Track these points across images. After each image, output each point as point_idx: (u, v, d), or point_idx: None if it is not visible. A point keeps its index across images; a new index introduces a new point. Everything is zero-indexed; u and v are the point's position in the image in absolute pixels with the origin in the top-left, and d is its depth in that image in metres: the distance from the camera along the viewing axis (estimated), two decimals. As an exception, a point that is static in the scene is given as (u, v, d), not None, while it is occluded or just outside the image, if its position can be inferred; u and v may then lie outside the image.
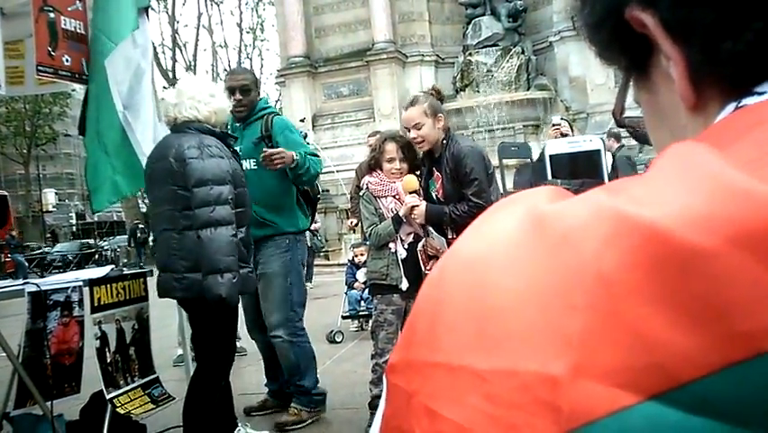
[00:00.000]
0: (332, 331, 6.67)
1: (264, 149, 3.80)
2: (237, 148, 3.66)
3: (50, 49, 3.45)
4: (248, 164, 3.85)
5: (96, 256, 28.90)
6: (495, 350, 0.33)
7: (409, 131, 3.68)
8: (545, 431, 0.31)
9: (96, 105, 3.66)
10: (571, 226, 0.34)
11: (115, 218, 46.83)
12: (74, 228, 48.57)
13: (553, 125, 6.33)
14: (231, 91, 3.88)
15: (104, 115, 3.63)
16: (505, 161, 4.90)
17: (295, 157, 3.79)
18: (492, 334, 0.34)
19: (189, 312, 3.37)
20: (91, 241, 35.89)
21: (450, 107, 19.45)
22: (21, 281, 3.55)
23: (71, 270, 20.28)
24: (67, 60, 3.57)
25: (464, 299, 0.36)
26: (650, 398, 0.30)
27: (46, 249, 31.82)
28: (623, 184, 0.36)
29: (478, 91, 19.99)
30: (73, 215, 50.06)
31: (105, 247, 32.14)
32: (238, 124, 4.04)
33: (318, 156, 4.06)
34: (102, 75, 3.61)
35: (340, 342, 6.49)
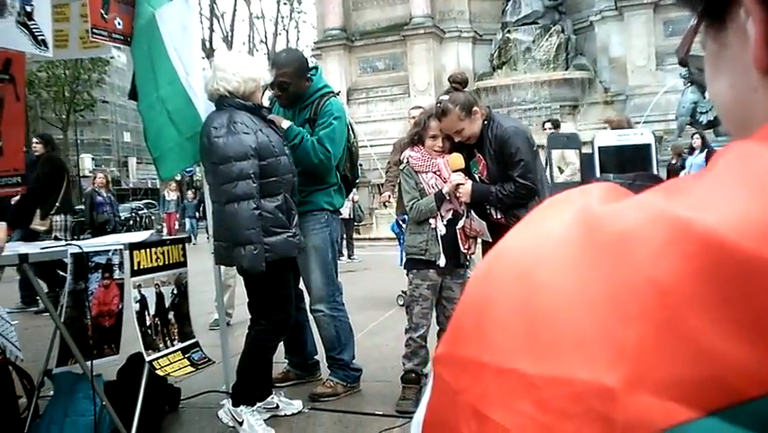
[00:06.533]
0: (399, 295, 6.66)
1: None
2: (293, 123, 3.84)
3: (102, 12, 3.45)
4: None
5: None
6: (545, 355, 0.32)
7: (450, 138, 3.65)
8: None
9: (152, 72, 3.64)
10: (625, 230, 0.33)
11: (150, 185, 47.43)
12: (110, 193, 49.21)
13: None
14: (271, 85, 3.90)
15: (164, 81, 3.62)
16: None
17: (283, 125, 3.71)
18: (542, 337, 0.33)
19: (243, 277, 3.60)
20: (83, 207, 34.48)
21: (486, 85, 19.29)
22: (63, 243, 3.60)
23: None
24: (119, 24, 3.57)
25: (512, 297, 0.35)
26: (710, 414, 0.28)
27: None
28: (681, 185, 0.34)
29: (515, 69, 19.75)
30: (109, 180, 50.71)
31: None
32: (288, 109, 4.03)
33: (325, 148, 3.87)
34: (155, 39, 3.60)
35: None
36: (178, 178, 27.04)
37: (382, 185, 16.27)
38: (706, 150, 11.09)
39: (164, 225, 20.19)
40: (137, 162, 50.79)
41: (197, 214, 20.67)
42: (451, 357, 0.37)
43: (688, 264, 0.30)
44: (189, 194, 22.02)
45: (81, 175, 40.84)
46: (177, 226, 20.09)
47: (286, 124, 3.74)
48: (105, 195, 12.27)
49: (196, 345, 3.78)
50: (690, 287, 0.30)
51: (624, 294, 0.31)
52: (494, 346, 0.34)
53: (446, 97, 3.64)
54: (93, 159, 46.49)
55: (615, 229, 0.33)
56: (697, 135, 11.74)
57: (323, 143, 3.83)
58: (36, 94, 33.74)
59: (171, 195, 20.90)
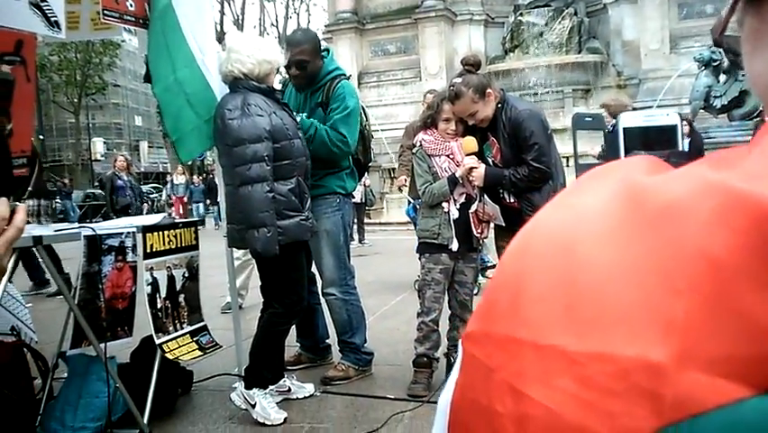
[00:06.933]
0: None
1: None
2: (303, 115, 3.83)
3: (114, -7, 3.45)
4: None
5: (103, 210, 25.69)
6: (587, 331, 0.31)
7: (464, 121, 3.62)
8: (645, 421, 0.28)
9: (168, 54, 3.63)
10: (673, 201, 0.31)
11: (161, 169, 47.59)
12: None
13: None
14: (288, 65, 3.88)
15: (181, 63, 3.61)
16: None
17: (297, 118, 3.67)
18: (584, 313, 0.31)
19: (255, 260, 3.59)
20: (98, 192, 33.99)
21: (498, 69, 19.16)
22: (77, 225, 3.61)
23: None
24: (131, 5, 3.57)
25: (551, 272, 0.34)
26: (765, 392, 0.27)
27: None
28: (728, 158, 0.33)
29: (528, 53, 19.61)
30: (130, 163, 50.78)
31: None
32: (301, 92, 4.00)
33: (342, 136, 3.84)
34: (170, 22, 3.59)
35: (476, 294, 6.32)
36: (189, 163, 27.11)
37: (393, 169, 16.29)
38: (690, 138, 10.71)
39: (173, 208, 20.08)
40: (148, 146, 50.95)
41: (208, 200, 20.63)
42: (483, 334, 0.36)
43: (741, 237, 0.29)
44: (195, 179, 21.97)
45: (93, 159, 41.08)
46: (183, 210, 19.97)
47: (296, 118, 3.71)
48: (125, 178, 12.13)
49: (205, 328, 3.80)
50: (743, 260, 0.29)
51: (672, 267, 0.30)
52: (531, 322, 0.33)
53: (459, 80, 3.60)
54: (105, 143, 46.70)
55: (662, 200, 0.32)
56: (684, 122, 11.50)
57: (337, 129, 3.82)
58: (48, 78, 33.93)
59: (179, 178, 20.82)
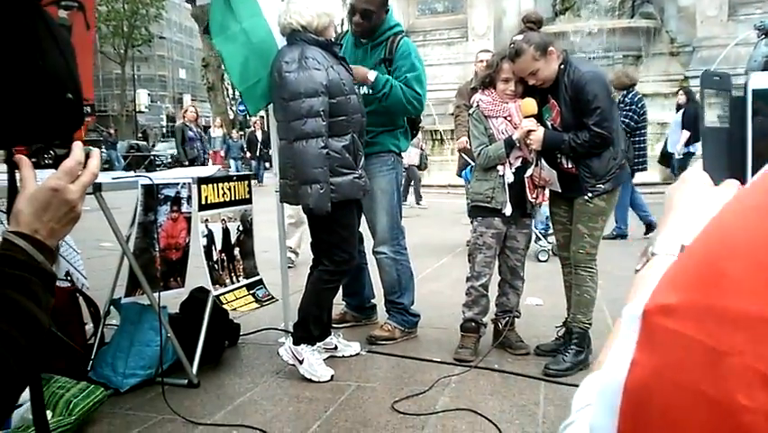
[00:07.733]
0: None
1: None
2: (376, 72, 3.77)
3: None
4: (365, 89, 3.77)
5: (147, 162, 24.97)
6: None
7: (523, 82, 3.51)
8: None
9: (226, 4, 3.57)
10: None
11: (204, 123, 47.93)
12: (164, 129, 49.97)
13: None
14: (352, 11, 3.83)
15: (246, 13, 3.56)
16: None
17: (369, 77, 3.68)
18: None
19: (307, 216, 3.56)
20: (141, 143, 33.24)
21: (548, 31, 18.57)
22: (133, 174, 3.63)
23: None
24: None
25: None
26: None
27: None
28: None
29: (579, 16, 19.08)
30: (164, 116, 51.32)
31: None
32: (364, 41, 3.93)
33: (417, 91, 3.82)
34: None
35: (545, 261, 6.26)
36: (231, 116, 27.18)
37: (436, 131, 16.10)
38: (685, 109, 9.57)
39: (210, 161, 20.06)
40: (191, 99, 51.23)
41: (245, 155, 20.57)
42: (702, 308, 0.30)
43: None
44: (234, 134, 21.88)
45: (138, 111, 41.54)
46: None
47: (372, 75, 3.70)
48: (195, 130, 12.11)
49: (260, 282, 3.81)
50: None
51: None
52: None
53: (520, 37, 3.48)
54: (149, 94, 47.16)
55: None
56: (681, 91, 10.39)
57: (411, 86, 3.77)
58: (96, 28, 34.25)
59: (217, 132, 20.70)
